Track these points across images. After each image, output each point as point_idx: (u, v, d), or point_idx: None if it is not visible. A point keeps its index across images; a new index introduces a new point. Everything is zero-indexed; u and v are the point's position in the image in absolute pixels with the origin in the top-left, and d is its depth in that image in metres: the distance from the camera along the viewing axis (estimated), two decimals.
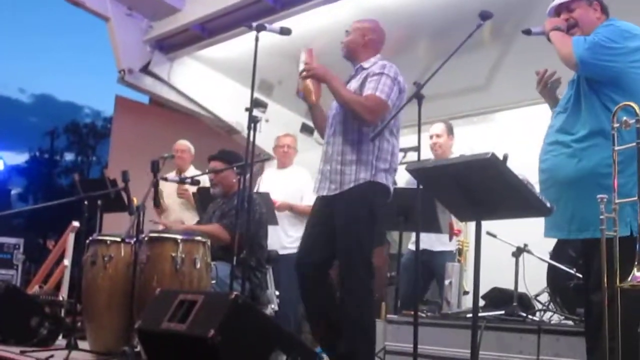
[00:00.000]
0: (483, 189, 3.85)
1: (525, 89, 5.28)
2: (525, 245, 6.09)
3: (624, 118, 3.87)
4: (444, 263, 6.73)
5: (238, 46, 9.45)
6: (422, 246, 7.24)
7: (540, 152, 4.45)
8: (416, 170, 4.22)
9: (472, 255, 7.14)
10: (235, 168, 6.46)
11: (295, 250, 6.10)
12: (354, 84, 5.28)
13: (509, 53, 8.79)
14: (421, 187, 4.67)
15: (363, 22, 5.52)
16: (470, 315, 5.15)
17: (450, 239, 6.87)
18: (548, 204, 3.81)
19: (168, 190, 8.21)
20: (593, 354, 4.14)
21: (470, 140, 8.73)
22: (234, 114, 10.55)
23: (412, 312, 5.06)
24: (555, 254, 6.14)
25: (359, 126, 5.16)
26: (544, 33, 4.51)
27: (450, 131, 7.54)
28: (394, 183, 5.30)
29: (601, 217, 3.83)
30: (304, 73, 5.27)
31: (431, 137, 7.47)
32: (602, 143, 4.13)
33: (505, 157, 3.72)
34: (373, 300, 5.26)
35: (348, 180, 5.10)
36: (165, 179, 6.87)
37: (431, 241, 7.16)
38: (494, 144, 6.19)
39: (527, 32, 4.65)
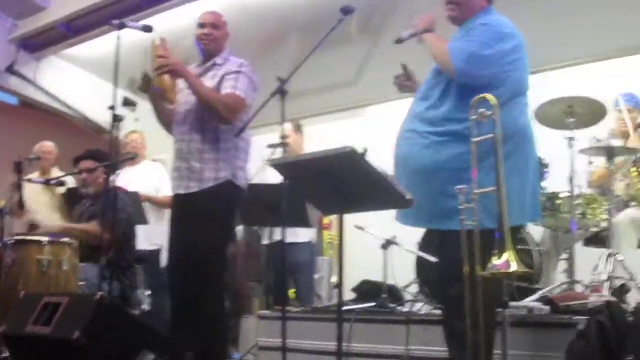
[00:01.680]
0: (344, 182, 3.88)
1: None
2: (394, 237, 6.17)
3: (481, 110, 3.94)
4: (299, 254, 6.78)
5: (105, 45, 9.25)
6: (276, 238, 7.32)
7: (397, 136, 4.46)
8: (279, 165, 4.23)
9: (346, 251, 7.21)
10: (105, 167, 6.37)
11: (157, 247, 6.07)
12: (209, 81, 5.25)
13: (377, 48, 8.88)
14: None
15: (219, 15, 5.50)
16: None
17: (320, 232, 6.92)
18: (408, 197, 3.86)
19: (32, 192, 8.02)
20: (452, 341, 4.23)
21: (340, 135, 8.83)
22: (103, 114, 10.33)
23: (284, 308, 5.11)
24: (424, 245, 6.24)
25: (217, 124, 5.14)
26: (416, 35, 4.51)
27: (298, 129, 7.62)
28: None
29: (460, 207, 3.92)
30: (161, 68, 5.16)
31: (282, 138, 7.51)
32: (459, 139, 4.18)
33: (365, 151, 3.75)
34: (226, 295, 5.29)
35: (208, 178, 5.10)
36: (30, 181, 6.71)
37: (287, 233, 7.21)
38: (363, 138, 6.26)
39: (399, 41, 4.60)
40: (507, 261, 3.68)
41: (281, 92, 4.83)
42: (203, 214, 5.08)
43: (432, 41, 4.42)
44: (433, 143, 4.26)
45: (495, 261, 3.71)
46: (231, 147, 5.16)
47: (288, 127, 7.54)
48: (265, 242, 7.25)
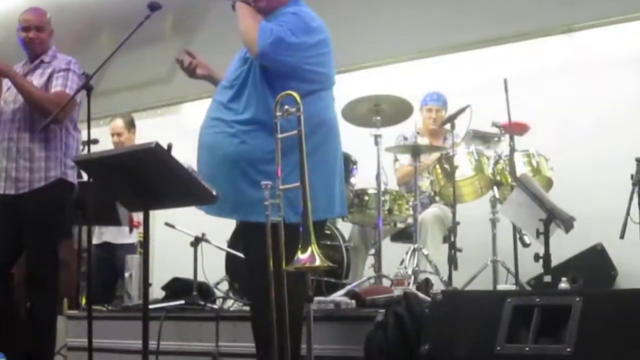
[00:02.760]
0: (149, 178, 3.83)
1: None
2: (204, 234, 6.15)
3: (286, 107, 3.97)
4: (129, 254, 6.70)
5: None
6: (104, 239, 7.22)
7: (201, 125, 4.43)
8: (83, 162, 4.15)
9: (153, 247, 7.15)
10: None
11: None
12: (37, 79, 5.13)
13: (191, 44, 8.83)
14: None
15: (42, 14, 5.36)
16: (150, 306, 5.15)
17: (131, 231, 6.83)
18: (214, 192, 3.86)
19: None
20: (258, 336, 4.26)
21: (154, 132, 8.73)
22: None
23: (98, 307, 5.04)
24: (233, 241, 6.26)
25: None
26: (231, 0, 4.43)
27: (131, 125, 7.49)
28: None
29: (266, 203, 3.93)
30: None
31: (112, 135, 7.38)
32: (264, 129, 4.17)
33: (170, 146, 3.72)
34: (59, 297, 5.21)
35: (38, 178, 5.01)
36: None
37: (113, 234, 7.10)
38: (178, 135, 6.22)
39: None
40: (311, 255, 3.71)
41: (86, 89, 4.75)
42: (35, 214, 4.98)
43: (244, 13, 4.35)
44: (239, 132, 4.23)
45: (300, 255, 3.75)
46: (60, 146, 5.07)
47: (120, 123, 7.41)
48: (95, 241, 7.08)
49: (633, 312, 3.45)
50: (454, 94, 6.97)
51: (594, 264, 6.45)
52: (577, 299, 3.59)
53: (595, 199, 6.26)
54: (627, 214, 4.87)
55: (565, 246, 6.12)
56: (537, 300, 3.78)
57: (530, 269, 5.93)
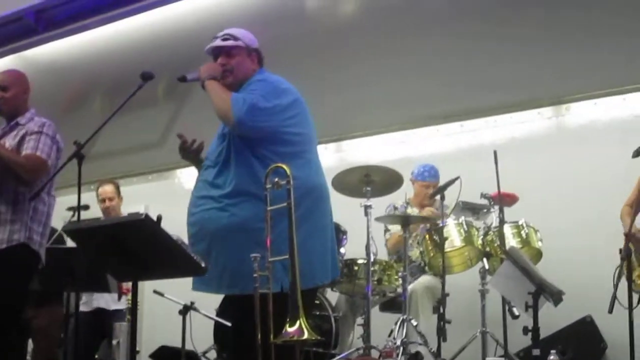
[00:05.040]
0: (138, 249, 3.82)
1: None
2: (192, 302, 6.13)
3: (276, 179, 4.00)
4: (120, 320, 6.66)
5: None
6: (97, 305, 7.16)
7: (189, 206, 4.45)
8: (72, 231, 4.13)
9: (142, 314, 7.11)
10: None
11: None
12: (10, 141, 5.09)
13: (183, 109, 8.89)
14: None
15: (9, 74, 5.33)
16: None
17: (120, 297, 6.80)
18: (203, 264, 3.86)
19: None
20: None
21: (146, 197, 8.76)
22: None
23: None
24: (222, 309, 6.24)
25: (16, 185, 4.98)
26: (199, 79, 4.52)
27: (119, 190, 7.50)
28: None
29: (255, 275, 3.93)
30: None
31: (103, 200, 7.37)
32: (252, 199, 4.20)
33: (159, 218, 3.72)
34: None
35: (0, 240, 4.92)
36: None
37: (106, 300, 7.06)
38: (171, 201, 6.23)
39: (183, 79, 4.55)
40: (300, 328, 3.71)
41: (78, 157, 4.75)
42: None
43: (214, 88, 4.41)
44: (227, 205, 4.26)
45: (289, 328, 3.74)
46: (28, 209, 5.00)
47: (111, 189, 7.39)
48: (84, 308, 7.01)
49: None
50: (443, 164, 7.01)
51: (583, 336, 6.44)
52: None
53: (585, 271, 6.27)
54: (615, 289, 4.87)
55: (554, 318, 6.11)
56: None
57: (520, 341, 5.91)
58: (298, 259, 3.80)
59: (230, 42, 4.57)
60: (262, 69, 4.60)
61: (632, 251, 4.98)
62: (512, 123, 7.64)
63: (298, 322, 3.72)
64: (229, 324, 5.74)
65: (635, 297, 4.97)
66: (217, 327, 6.35)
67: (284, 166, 4.00)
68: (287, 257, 3.88)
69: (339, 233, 6.18)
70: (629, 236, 4.92)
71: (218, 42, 4.59)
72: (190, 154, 4.62)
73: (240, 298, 4.23)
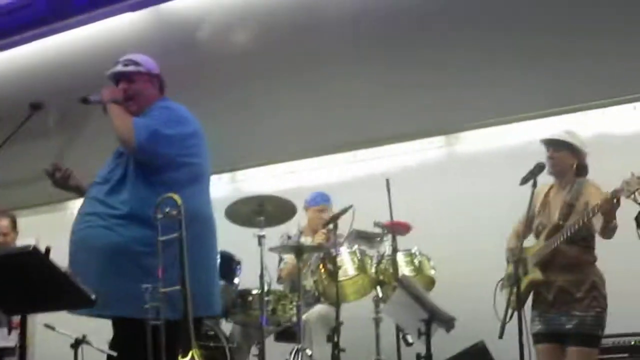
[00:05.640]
0: (26, 282, 3.74)
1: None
2: (84, 336, 6.00)
3: (167, 209, 3.98)
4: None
5: None
6: None
7: (73, 222, 4.39)
8: None
9: (34, 348, 6.94)
10: None
11: None
12: None
13: (76, 140, 8.77)
14: None
15: None
16: None
17: (10, 332, 6.62)
18: (93, 296, 3.79)
19: None
20: None
21: (37, 229, 8.58)
22: None
23: None
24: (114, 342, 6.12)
25: None
26: (101, 102, 4.49)
27: (15, 225, 7.32)
28: None
29: (146, 306, 3.89)
30: None
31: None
32: (141, 223, 4.18)
33: (48, 250, 3.66)
34: None
35: None
36: None
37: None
38: (62, 233, 6.09)
39: (85, 101, 4.57)
40: (192, 359, 3.69)
41: None
42: None
43: (116, 112, 4.41)
44: (113, 225, 4.24)
45: (182, 359, 3.72)
46: None
47: (5, 223, 7.21)
48: None
49: None
50: (337, 193, 7.06)
51: None
52: None
53: (477, 297, 6.36)
54: (505, 314, 4.96)
55: (448, 344, 6.17)
56: None
57: None
58: (185, 293, 3.79)
59: (131, 68, 4.57)
60: (165, 97, 4.60)
61: (512, 275, 5.09)
62: (404, 152, 7.75)
63: (190, 354, 3.70)
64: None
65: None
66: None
67: (176, 197, 4.00)
68: (177, 287, 3.87)
69: (233, 263, 6.18)
70: (510, 251, 5.09)
71: (119, 68, 4.59)
72: (59, 182, 4.58)
73: (121, 322, 4.18)
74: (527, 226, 5.25)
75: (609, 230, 4.82)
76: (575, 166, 5.16)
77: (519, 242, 5.09)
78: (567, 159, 5.13)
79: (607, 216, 4.72)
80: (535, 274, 5.02)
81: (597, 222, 4.84)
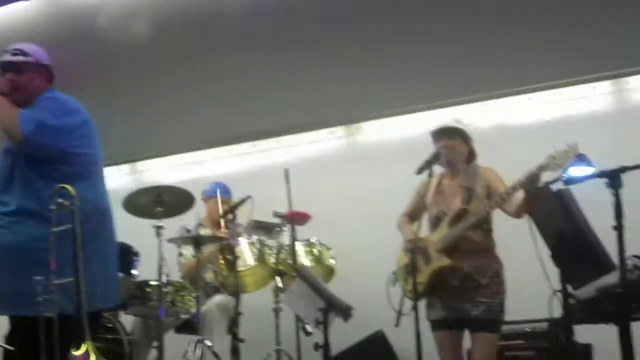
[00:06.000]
0: None
1: None
2: None
3: (60, 200, 3.91)
4: None
5: None
6: None
7: None
8: None
9: None
10: None
11: None
12: None
13: None
14: None
15: None
16: None
17: None
18: None
19: None
20: None
21: None
22: None
23: None
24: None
25: None
26: None
27: None
28: None
29: (39, 299, 3.82)
30: None
31: None
32: (36, 219, 4.10)
33: None
34: None
35: None
36: None
37: None
38: None
39: None
40: (86, 352, 3.64)
41: None
42: None
43: (1, 103, 4.29)
44: (7, 223, 4.16)
45: (75, 352, 3.66)
46: None
47: None
48: None
49: None
50: (236, 184, 7.03)
51: (375, 350, 6.59)
52: None
53: (375, 287, 6.40)
54: (401, 303, 5.00)
55: (348, 333, 6.23)
56: None
57: (314, 358, 5.97)
58: (78, 285, 3.74)
59: (19, 58, 4.46)
60: (53, 89, 4.50)
61: (409, 262, 5.11)
62: (304, 143, 7.79)
63: (84, 347, 3.65)
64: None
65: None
66: (6, 355, 6.09)
67: (69, 187, 3.93)
68: (71, 279, 3.81)
69: (131, 255, 6.11)
70: (412, 242, 5.09)
71: (7, 57, 4.47)
72: None
73: (20, 320, 4.11)
74: (412, 215, 5.31)
75: (521, 210, 4.89)
76: (467, 153, 5.23)
77: (416, 232, 5.12)
78: (460, 146, 5.20)
79: (527, 193, 4.79)
80: (443, 261, 5.04)
81: (510, 204, 4.93)
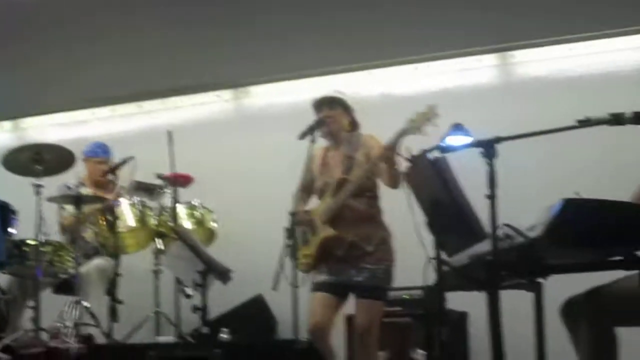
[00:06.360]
0: None
1: None
2: None
3: None
4: None
5: None
6: None
7: None
8: None
9: None
10: None
11: None
12: None
13: None
14: None
15: None
16: None
17: None
18: None
19: None
20: None
21: None
22: None
23: None
24: None
25: None
26: None
27: None
28: None
29: None
30: None
31: None
32: None
33: None
34: None
35: None
36: None
37: None
38: None
39: None
40: None
41: None
42: None
43: None
44: None
45: None
46: None
47: None
48: None
49: None
50: (120, 144, 6.93)
51: (255, 314, 6.62)
52: (216, 350, 3.69)
53: (256, 251, 6.44)
54: (281, 266, 5.01)
55: (229, 297, 6.25)
56: (178, 353, 3.84)
57: (194, 320, 5.98)
58: None
59: None
60: None
61: (299, 231, 5.13)
62: (191, 105, 7.74)
63: None
64: None
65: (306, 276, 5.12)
66: None
67: None
68: None
69: (9, 213, 5.96)
70: (293, 215, 5.11)
71: None
72: None
73: None
74: (307, 189, 5.32)
75: (394, 178, 4.93)
76: (349, 123, 5.25)
77: (303, 206, 5.15)
78: (341, 116, 5.22)
79: (389, 163, 4.84)
80: (327, 231, 5.06)
81: (384, 172, 4.97)
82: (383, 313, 5.07)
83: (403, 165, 4.66)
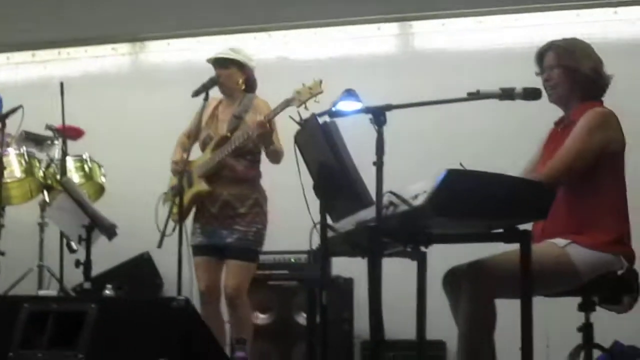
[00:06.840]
0: None
1: None
2: None
3: None
4: None
5: None
6: None
7: None
8: None
9: None
10: None
11: None
12: None
13: None
14: None
15: None
16: None
17: None
18: None
19: None
20: None
21: None
22: None
23: None
24: None
25: None
26: None
27: None
28: None
29: None
30: None
31: None
32: None
33: None
34: None
35: None
36: None
37: None
38: None
39: None
40: None
41: None
42: None
43: None
44: None
45: None
46: None
47: None
48: None
49: (141, 319, 3.61)
50: (11, 93, 6.68)
51: (141, 272, 6.57)
52: (93, 305, 3.65)
53: (144, 208, 6.36)
54: (165, 225, 4.98)
55: (115, 253, 6.18)
56: (54, 306, 3.79)
57: (79, 275, 5.89)
58: None
59: None
60: None
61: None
62: (85, 57, 7.58)
63: None
64: None
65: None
66: None
67: None
68: None
69: None
70: (176, 163, 5.13)
71: None
72: None
73: None
74: (193, 138, 5.29)
75: (272, 154, 4.99)
76: (243, 81, 5.24)
77: (184, 154, 5.12)
78: (235, 75, 5.21)
79: (265, 141, 4.89)
80: (201, 186, 5.08)
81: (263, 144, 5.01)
82: (269, 276, 5.11)
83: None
